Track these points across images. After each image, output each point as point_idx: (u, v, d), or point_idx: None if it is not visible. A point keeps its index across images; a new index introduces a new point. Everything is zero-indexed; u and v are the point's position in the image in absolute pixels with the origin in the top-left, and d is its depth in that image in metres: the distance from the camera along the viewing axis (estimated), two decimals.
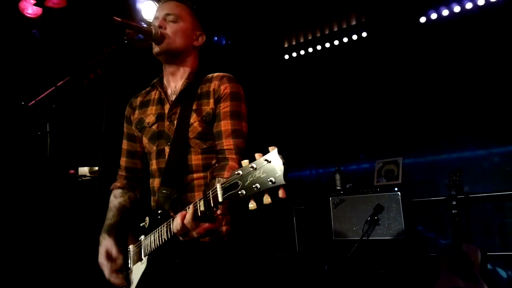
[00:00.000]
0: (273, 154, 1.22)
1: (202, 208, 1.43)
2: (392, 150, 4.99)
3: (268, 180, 1.20)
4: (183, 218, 1.48)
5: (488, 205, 4.24)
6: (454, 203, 3.72)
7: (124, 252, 1.93)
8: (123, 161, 2.12)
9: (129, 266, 1.90)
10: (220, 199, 1.33)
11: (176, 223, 1.51)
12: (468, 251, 3.55)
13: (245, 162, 1.28)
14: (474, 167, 4.51)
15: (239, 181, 1.27)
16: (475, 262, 3.50)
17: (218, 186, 1.34)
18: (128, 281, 1.87)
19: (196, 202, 1.45)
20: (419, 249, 4.34)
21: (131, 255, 1.90)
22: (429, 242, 4.46)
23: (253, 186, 1.23)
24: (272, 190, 1.22)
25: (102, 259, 1.88)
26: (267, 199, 1.22)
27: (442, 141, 4.81)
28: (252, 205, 1.25)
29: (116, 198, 2.04)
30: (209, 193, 1.39)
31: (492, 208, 4.23)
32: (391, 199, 4.31)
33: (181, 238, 1.53)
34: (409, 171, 4.78)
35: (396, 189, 4.33)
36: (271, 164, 1.21)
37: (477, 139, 4.62)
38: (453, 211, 3.70)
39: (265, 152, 1.25)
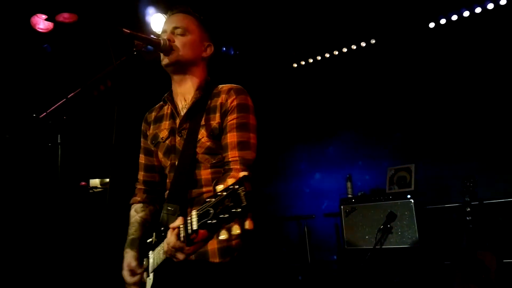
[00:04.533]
0: (240, 181, 1.19)
1: (182, 234, 1.43)
2: (404, 157, 4.95)
3: (233, 210, 1.18)
4: (169, 243, 1.50)
5: (503, 211, 4.17)
6: (468, 209, 3.67)
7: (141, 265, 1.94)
8: (141, 175, 2.13)
9: (144, 280, 1.90)
10: (194, 227, 1.32)
11: (165, 248, 1.53)
12: (483, 258, 3.48)
13: (219, 188, 1.24)
14: (488, 172, 4.44)
15: (210, 209, 1.24)
16: (491, 269, 3.43)
17: (194, 213, 1.33)
18: None
19: (179, 226, 1.46)
20: (433, 257, 4.27)
21: (144, 271, 1.91)
22: (443, 250, 4.39)
23: (221, 216, 1.21)
24: (241, 220, 1.19)
25: (124, 272, 1.88)
26: (235, 230, 1.19)
27: (455, 147, 4.76)
28: (223, 236, 1.22)
29: (137, 213, 2.04)
30: (188, 219, 1.38)
31: (508, 214, 4.16)
32: (404, 206, 4.26)
33: (174, 259, 1.54)
34: (422, 178, 4.73)
35: (408, 196, 4.28)
36: (238, 192, 1.18)
37: (491, 144, 4.56)
38: (467, 218, 3.65)
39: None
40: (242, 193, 1.18)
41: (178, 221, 1.47)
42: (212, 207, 1.24)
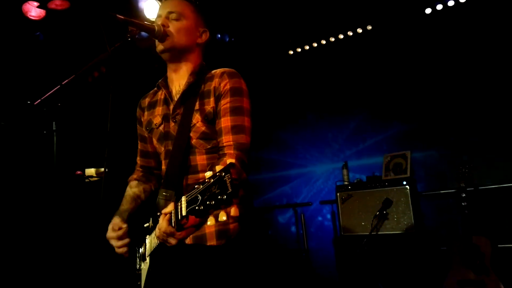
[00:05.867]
0: (227, 169, 1.21)
1: (173, 219, 1.45)
2: (400, 144, 4.96)
3: (220, 197, 1.20)
4: (160, 228, 1.52)
5: (498, 196, 4.20)
6: (464, 195, 3.69)
7: (134, 252, 1.94)
8: (138, 159, 2.18)
9: (140, 265, 1.91)
10: (183, 213, 1.33)
11: (157, 233, 1.55)
12: (478, 243, 3.51)
13: (207, 174, 1.26)
14: (484, 158, 4.46)
15: (198, 196, 1.26)
16: (486, 254, 3.46)
17: (183, 199, 1.34)
18: (139, 279, 1.88)
19: (171, 212, 1.47)
20: (429, 242, 4.30)
21: (141, 255, 1.91)
22: (439, 236, 4.43)
23: (207, 202, 1.23)
24: (227, 206, 1.22)
25: (109, 232, 1.88)
26: (221, 216, 1.22)
27: (450, 133, 4.78)
28: (210, 222, 1.24)
29: (131, 188, 2.09)
30: (178, 205, 1.40)
31: (502, 199, 4.19)
32: (399, 193, 4.28)
33: (166, 244, 1.55)
34: (418, 164, 4.75)
35: (404, 182, 4.30)
36: (225, 179, 1.20)
37: (486, 130, 4.57)
38: (462, 204, 3.67)
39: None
40: (228, 180, 1.20)
41: (170, 207, 1.48)
42: (200, 194, 1.26)
